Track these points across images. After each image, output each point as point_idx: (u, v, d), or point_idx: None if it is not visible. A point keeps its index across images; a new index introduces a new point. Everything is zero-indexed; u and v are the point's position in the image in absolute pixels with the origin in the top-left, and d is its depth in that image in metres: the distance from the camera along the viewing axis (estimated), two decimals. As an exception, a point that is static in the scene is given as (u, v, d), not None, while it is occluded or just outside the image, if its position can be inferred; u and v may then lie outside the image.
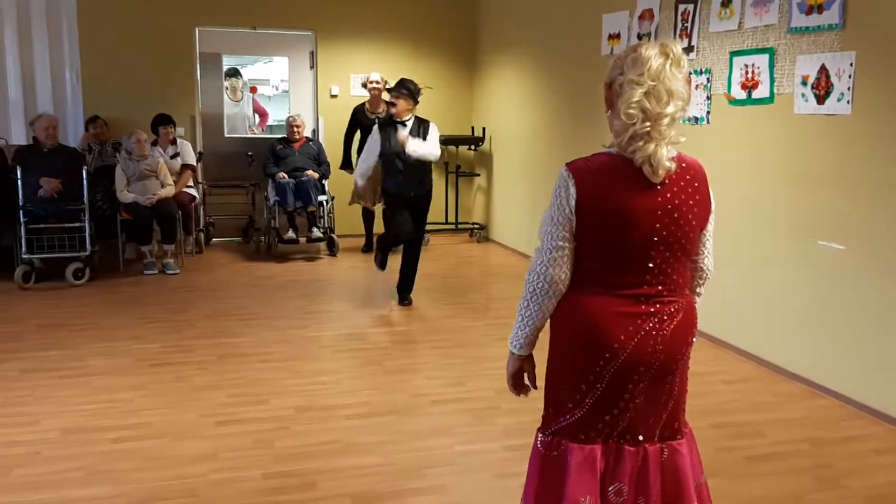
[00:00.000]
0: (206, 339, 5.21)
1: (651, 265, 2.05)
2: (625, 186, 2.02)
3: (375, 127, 5.92)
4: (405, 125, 5.77)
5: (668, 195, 2.04)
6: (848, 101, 4.13)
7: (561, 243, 2.07)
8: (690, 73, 5.33)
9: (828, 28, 4.23)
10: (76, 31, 8.13)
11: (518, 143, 8.30)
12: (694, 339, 2.18)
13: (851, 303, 4.18)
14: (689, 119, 5.35)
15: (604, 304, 2.06)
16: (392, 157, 5.76)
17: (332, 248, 8.12)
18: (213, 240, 8.70)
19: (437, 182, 9.20)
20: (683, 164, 2.08)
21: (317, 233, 7.85)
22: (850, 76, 4.11)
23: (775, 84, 4.63)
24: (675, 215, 2.04)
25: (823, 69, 4.27)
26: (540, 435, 2.25)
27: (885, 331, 4.00)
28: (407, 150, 5.66)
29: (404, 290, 6.18)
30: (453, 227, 9.13)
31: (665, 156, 1.99)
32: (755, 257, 4.84)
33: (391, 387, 4.40)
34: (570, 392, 2.14)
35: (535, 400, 4.07)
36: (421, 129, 5.82)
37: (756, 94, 4.79)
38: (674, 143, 2.03)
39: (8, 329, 5.38)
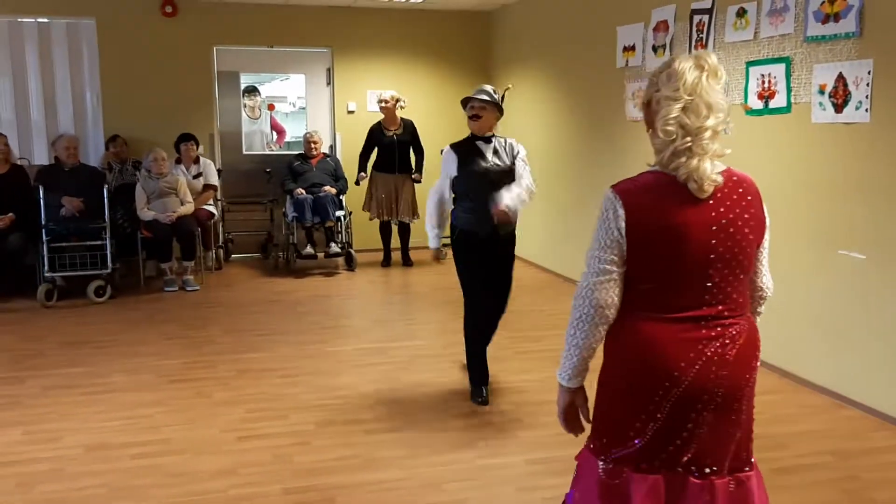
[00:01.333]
0: (226, 354, 5.23)
1: (709, 284, 1.96)
2: (675, 203, 1.94)
3: (447, 150, 4.42)
4: (489, 142, 4.39)
5: (722, 210, 1.96)
6: (866, 110, 4.10)
7: (608, 267, 1.99)
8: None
9: (844, 36, 4.21)
10: (96, 52, 8.24)
11: (533, 156, 8.27)
12: (758, 363, 2.08)
13: (873, 313, 4.14)
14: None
15: (662, 329, 1.97)
16: (469, 181, 4.32)
17: (350, 263, 8.14)
18: (233, 256, 8.75)
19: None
20: (734, 178, 2.01)
21: (335, 248, 7.88)
22: (867, 84, 4.09)
23: (792, 93, 4.61)
24: (731, 230, 1.96)
25: (841, 78, 4.25)
26: (601, 463, 2.11)
27: (909, 340, 3.95)
28: (509, 208, 4.21)
29: (479, 382, 4.41)
30: (471, 240, 9.11)
31: (709, 170, 1.93)
32: (775, 268, 4.78)
33: (411, 401, 4.39)
34: (629, 421, 2.03)
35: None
36: (506, 150, 4.41)
37: (773, 104, 4.77)
38: (718, 157, 1.97)
39: (31, 346, 5.43)
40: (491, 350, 5.29)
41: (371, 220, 8.32)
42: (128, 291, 7.04)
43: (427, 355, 5.24)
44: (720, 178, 1.96)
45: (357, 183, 8.15)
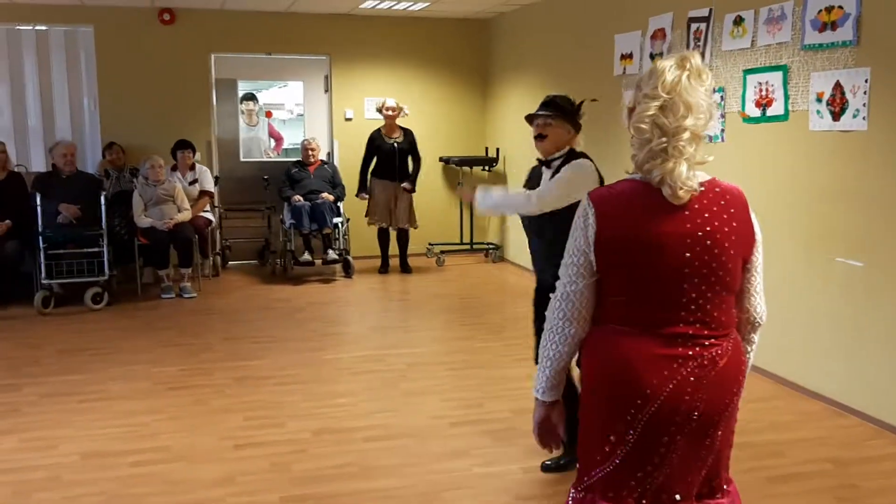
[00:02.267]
0: (224, 362, 5.22)
1: (685, 300, 1.86)
2: (649, 212, 1.85)
3: (592, 167, 3.65)
4: (549, 168, 3.69)
5: (699, 221, 1.85)
6: (864, 118, 4.11)
7: (576, 279, 1.91)
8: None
9: (842, 45, 4.23)
10: (94, 59, 8.24)
11: (531, 164, 8.29)
12: (741, 389, 1.97)
13: (871, 320, 4.14)
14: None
15: (636, 345, 1.87)
16: (523, 217, 3.69)
17: (348, 270, 8.13)
18: (230, 263, 8.73)
19: (452, 203, 9.28)
20: (717, 189, 1.91)
21: (332, 255, 7.87)
22: (865, 92, 4.10)
23: (790, 101, 4.62)
24: (708, 243, 1.85)
25: (838, 86, 4.26)
26: (572, 491, 2.03)
27: (906, 348, 3.95)
28: (476, 207, 3.66)
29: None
30: (468, 247, 9.13)
31: (685, 174, 1.82)
32: (772, 275, 4.79)
33: (408, 409, 4.38)
34: (598, 443, 1.94)
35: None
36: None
37: (770, 112, 4.78)
38: (699, 163, 1.87)
39: (28, 354, 5.42)
40: (487, 357, 5.30)
41: (369, 225, 8.33)
42: (125, 299, 7.03)
43: (425, 363, 5.24)
44: (695, 185, 1.85)
45: (358, 196, 8.19)
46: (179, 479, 3.51)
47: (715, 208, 1.88)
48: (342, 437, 3.98)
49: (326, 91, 9.20)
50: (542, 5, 7.81)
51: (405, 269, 8.36)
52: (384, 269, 8.36)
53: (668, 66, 1.87)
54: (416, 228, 8.34)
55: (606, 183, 3.20)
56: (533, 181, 3.76)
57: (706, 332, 1.89)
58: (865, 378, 4.18)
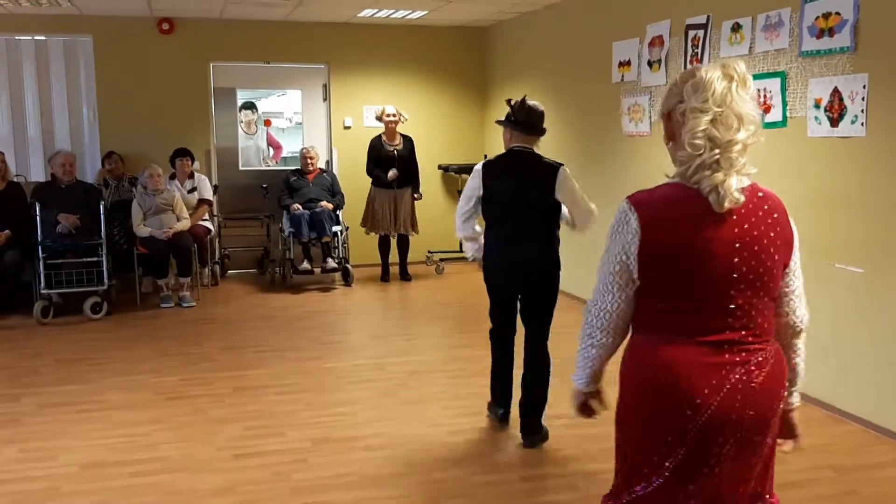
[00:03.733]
0: (223, 371, 5.21)
1: (733, 306, 1.84)
2: (696, 218, 1.83)
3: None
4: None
5: (746, 226, 1.84)
6: (862, 124, 4.12)
7: (619, 280, 1.89)
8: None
9: (839, 51, 4.24)
10: (93, 69, 8.26)
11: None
12: (785, 392, 1.95)
13: (871, 326, 4.14)
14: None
15: (683, 353, 1.84)
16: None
17: (347, 279, 8.13)
18: (229, 272, 8.73)
19: (451, 211, 9.26)
20: (760, 194, 1.90)
21: (331, 263, 7.88)
22: (863, 98, 4.10)
23: (788, 108, 4.63)
24: (756, 248, 1.85)
25: (836, 92, 4.26)
26: None
27: (906, 354, 3.95)
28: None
29: (529, 420, 3.99)
30: (468, 255, 9.13)
31: (734, 186, 1.81)
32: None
33: (408, 417, 4.37)
34: (646, 455, 1.89)
35: (553, 428, 4.03)
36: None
37: (769, 118, 4.78)
38: (746, 174, 1.86)
39: (27, 364, 5.41)
40: (487, 365, 5.26)
41: (367, 234, 8.32)
42: (124, 308, 7.02)
43: (425, 371, 5.23)
44: (742, 197, 1.84)
45: (389, 179, 7.99)
46: (179, 489, 3.50)
47: (760, 213, 1.88)
48: (342, 446, 3.97)
49: (325, 99, 9.22)
50: (540, 13, 7.84)
51: (405, 276, 8.36)
52: (385, 277, 8.36)
53: (715, 77, 1.84)
54: (416, 234, 8.33)
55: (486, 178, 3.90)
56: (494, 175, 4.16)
57: (751, 339, 1.87)
58: (866, 384, 4.18)
